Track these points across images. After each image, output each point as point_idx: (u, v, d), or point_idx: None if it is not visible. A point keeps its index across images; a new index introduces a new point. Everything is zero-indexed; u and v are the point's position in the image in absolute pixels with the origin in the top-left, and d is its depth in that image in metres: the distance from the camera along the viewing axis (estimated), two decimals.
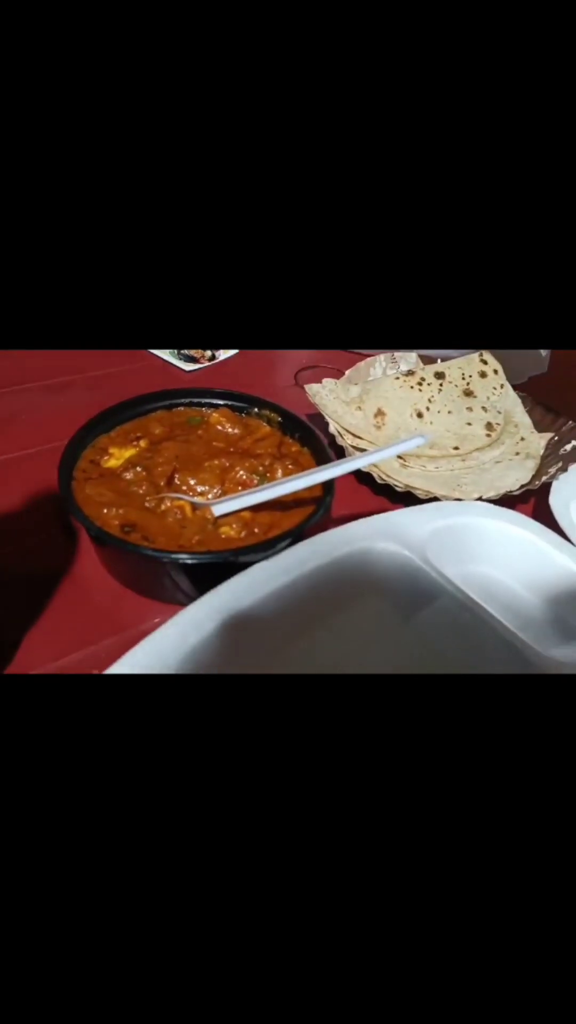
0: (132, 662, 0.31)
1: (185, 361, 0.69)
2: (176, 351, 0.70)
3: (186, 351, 0.71)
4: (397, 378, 0.60)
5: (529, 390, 0.68)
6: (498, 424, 0.60)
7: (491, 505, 0.46)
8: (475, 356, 0.63)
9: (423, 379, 0.61)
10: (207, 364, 0.69)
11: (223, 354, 0.72)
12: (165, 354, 0.69)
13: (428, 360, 0.65)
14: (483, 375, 0.62)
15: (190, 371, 0.68)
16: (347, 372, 0.63)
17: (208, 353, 0.71)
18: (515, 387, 0.63)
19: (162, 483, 0.42)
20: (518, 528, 0.44)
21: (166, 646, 0.32)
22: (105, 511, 0.39)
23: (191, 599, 0.35)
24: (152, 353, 0.70)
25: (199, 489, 0.43)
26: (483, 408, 0.60)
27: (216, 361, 0.70)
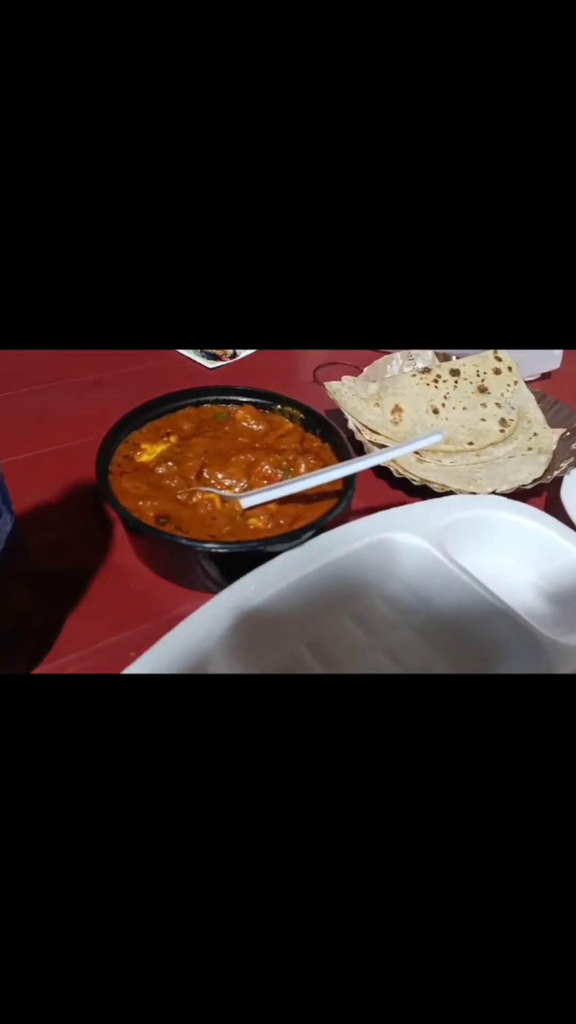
0: (170, 644, 0.34)
1: (208, 359, 0.71)
2: (200, 349, 0.72)
3: (209, 349, 0.73)
4: (413, 375, 0.62)
5: (543, 386, 0.70)
6: (512, 420, 0.61)
7: (504, 499, 0.48)
8: (489, 354, 0.65)
9: (439, 376, 0.63)
10: (229, 361, 0.72)
11: (244, 351, 0.74)
12: (189, 352, 0.72)
13: (444, 357, 0.67)
14: (497, 372, 0.64)
15: (213, 368, 0.70)
16: (365, 369, 0.65)
17: (230, 351, 0.73)
18: (528, 383, 0.65)
19: (192, 477, 0.45)
20: (530, 521, 0.46)
21: (202, 629, 0.35)
22: (140, 503, 0.42)
23: (220, 587, 0.38)
24: (177, 351, 0.72)
25: (227, 483, 0.45)
26: (497, 404, 0.62)
27: (238, 358, 0.73)
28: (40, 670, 0.38)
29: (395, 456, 0.46)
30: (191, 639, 0.34)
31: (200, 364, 0.71)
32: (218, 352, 0.73)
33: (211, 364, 0.71)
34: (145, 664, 0.33)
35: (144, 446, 0.47)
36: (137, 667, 0.33)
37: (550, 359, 0.74)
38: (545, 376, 0.75)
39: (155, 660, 0.33)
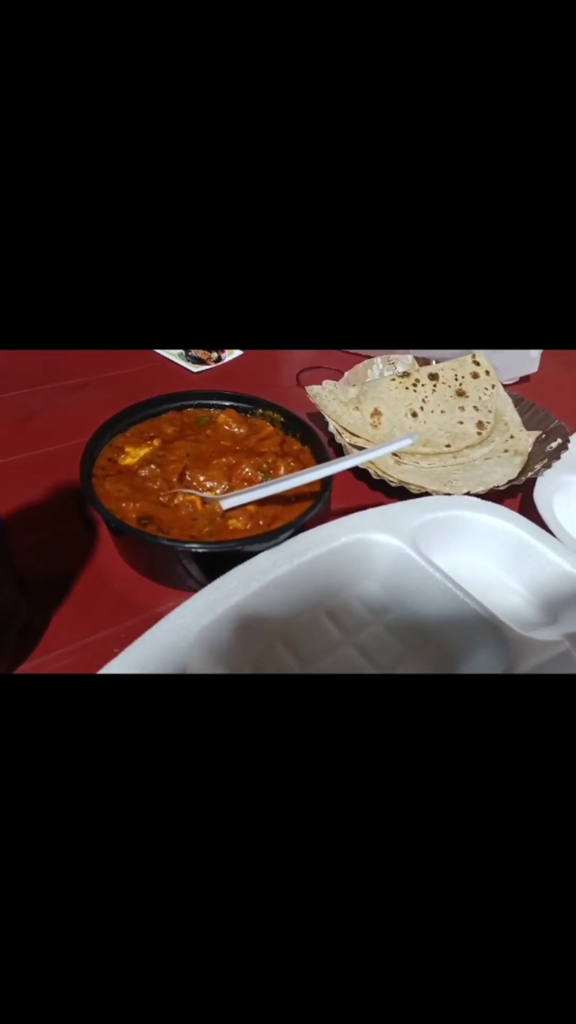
0: (150, 641, 0.35)
1: (193, 363, 0.72)
2: (184, 353, 0.74)
3: (193, 353, 0.74)
4: (393, 379, 0.64)
5: (520, 390, 0.71)
6: (489, 423, 0.63)
7: (478, 500, 0.49)
8: (468, 358, 0.66)
9: (418, 380, 0.64)
10: (213, 365, 0.73)
11: (228, 356, 0.75)
12: (174, 356, 0.73)
13: (423, 362, 0.69)
14: (475, 376, 0.66)
15: (197, 372, 0.71)
16: (346, 374, 0.67)
17: (214, 355, 0.75)
18: (506, 387, 0.67)
19: (174, 479, 0.46)
20: (503, 521, 0.47)
21: (181, 627, 0.36)
22: (123, 505, 0.43)
23: (201, 585, 0.39)
24: (162, 355, 0.73)
25: (208, 485, 0.46)
26: (475, 407, 0.64)
27: (222, 363, 0.74)
28: (24, 667, 0.39)
29: (370, 458, 0.47)
30: (171, 635, 0.35)
31: (184, 368, 0.72)
32: (202, 356, 0.74)
33: (195, 368, 0.72)
34: (124, 661, 0.34)
35: (128, 449, 0.48)
36: (116, 664, 0.34)
37: (528, 363, 0.76)
38: (523, 380, 0.77)
39: (135, 656, 0.34)
